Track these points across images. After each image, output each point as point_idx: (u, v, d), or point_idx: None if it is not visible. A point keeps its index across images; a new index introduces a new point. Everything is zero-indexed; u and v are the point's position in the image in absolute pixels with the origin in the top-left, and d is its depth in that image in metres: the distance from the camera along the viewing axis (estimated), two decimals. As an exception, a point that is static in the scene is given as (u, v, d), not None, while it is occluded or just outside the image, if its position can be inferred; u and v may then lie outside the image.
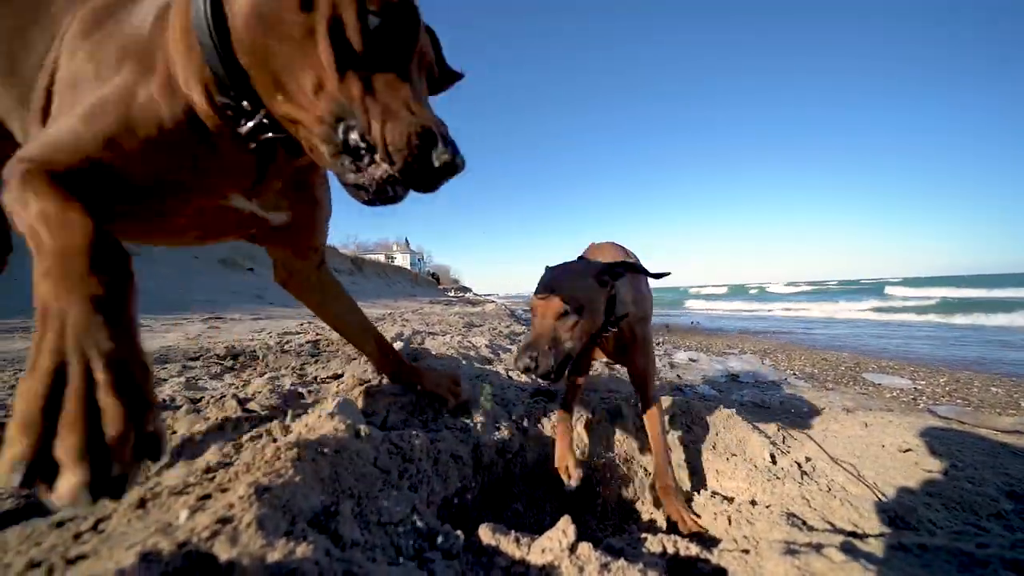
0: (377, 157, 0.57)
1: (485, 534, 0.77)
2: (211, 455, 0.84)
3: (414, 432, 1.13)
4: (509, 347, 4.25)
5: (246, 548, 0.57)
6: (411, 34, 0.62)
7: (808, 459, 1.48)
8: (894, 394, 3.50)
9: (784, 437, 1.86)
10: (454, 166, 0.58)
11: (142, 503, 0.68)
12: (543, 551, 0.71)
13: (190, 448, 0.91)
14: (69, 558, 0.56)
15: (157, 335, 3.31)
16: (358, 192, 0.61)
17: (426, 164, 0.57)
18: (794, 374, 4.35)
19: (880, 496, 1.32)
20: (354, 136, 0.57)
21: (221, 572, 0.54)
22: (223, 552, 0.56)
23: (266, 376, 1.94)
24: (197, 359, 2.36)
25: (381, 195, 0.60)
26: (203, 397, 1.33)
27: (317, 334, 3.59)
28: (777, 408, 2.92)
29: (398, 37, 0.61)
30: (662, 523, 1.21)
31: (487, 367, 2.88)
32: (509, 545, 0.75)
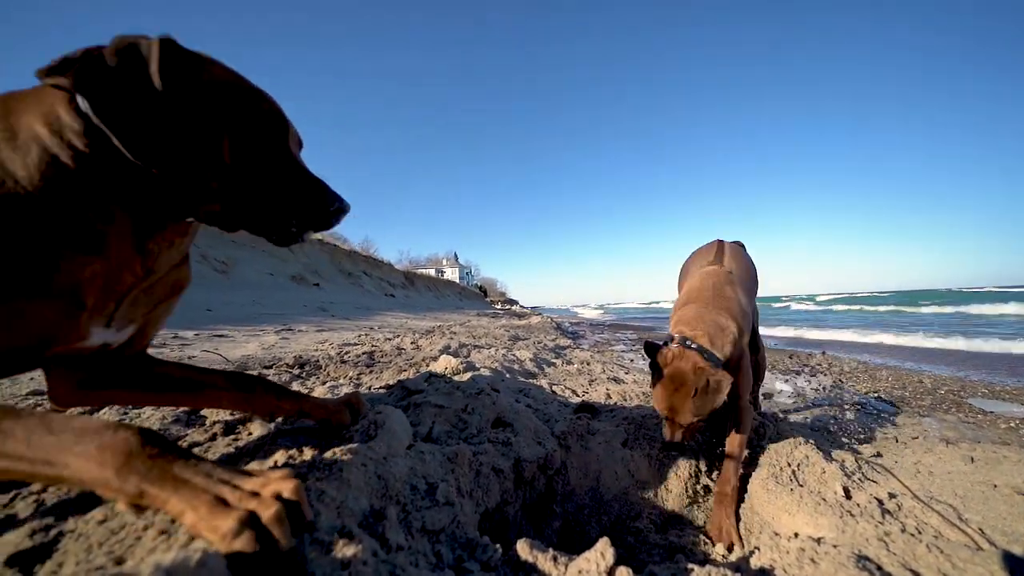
0: (282, 219, 0.80)
1: (523, 550, 0.78)
2: (279, 455, 0.94)
3: (457, 444, 1.18)
4: (554, 361, 4.21)
5: (307, 541, 0.64)
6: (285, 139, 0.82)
7: (892, 495, 1.31)
8: (1011, 424, 2.96)
9: (863, 468, 1.65)
10: (340, 211, 0.85)
11: (223, 495, 0.77)
12: (579, 572, 0.70)
13: (262, 449, 1.03)
14: (168, 534, 0.66)
15: (239, 345, 3.72)
16: (268, 235, 0.82)
17: (327, 216, 0.83)
18: (878, 396, 3.85)
19: (988, 545, 1.12)
20: (253, 208, 0.77)
21: (283, 559, 0.60)
22: (287, 544, 0.63)
23: (327, 384, 2.11)
24: (270, 367, 2.63)
25: (291, 239, 0.83)
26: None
27: (373, 346, 3.83)
28: (856, 434, 2.60)
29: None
30: (716, 556, 1.13)
31: (531, 381, 2.88)
32: (546, 563, 0.75)
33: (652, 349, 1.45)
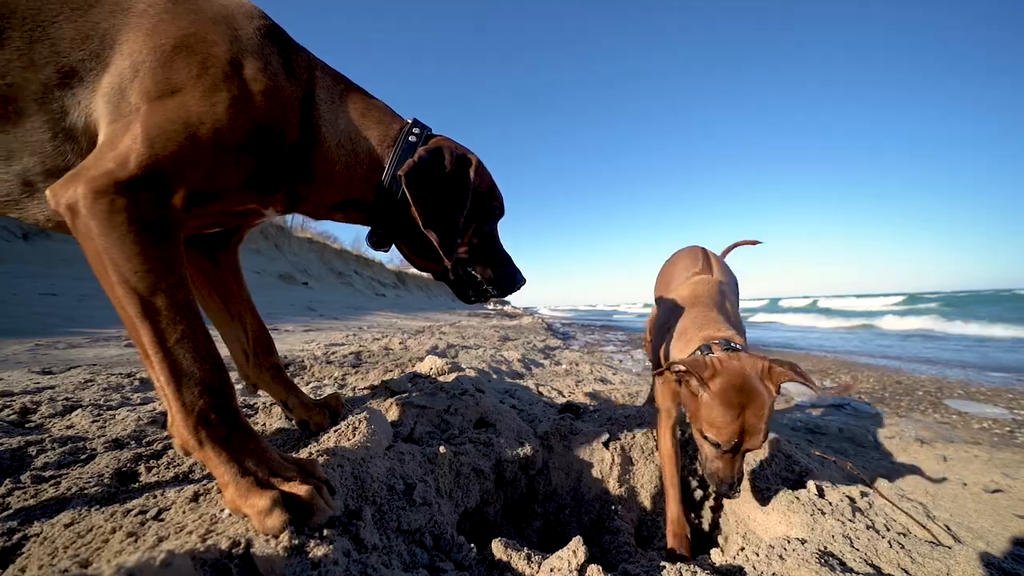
0: (484, 285, 1.12)
1: (497, 549, 0.79)
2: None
3: (438, 445, 1.18)
4: (542, 362, 4.23)
5: (279, 542, 0.64)
6: (501, 214, 1.12)
7: (864, 494, 1.34)
8: (984, 425, 3.06)
9: (838, 467, 1.69)
10: (522, 284, 1.17)
11: (195, 497, 0.77)
12: (552, 570, 0.71)
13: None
14: (135, 536, 0.65)
15: (222, 345, 3.66)
16: (465, 296, 1.14)
17: (511, 288, 1.15)
18: (859, 397, 3.94)
19: (951, 541, 1.16)
20: (470, 277, 1.11)
21: (254, 563, 0.60)
22: (258, 545, 0.63)
23: (311, 385, 2.10)
24: (254, 368, 2.59)
25: (482, 300, 1.15)
26: (255, 403, 1.46)
27: (360, 346, 3.80)
28: (834, 435, 2.66)
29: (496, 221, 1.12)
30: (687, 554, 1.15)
31: (518, 381, 2.89)
32: (520, 562, 0.76)
33: (696, 365, 1.07)
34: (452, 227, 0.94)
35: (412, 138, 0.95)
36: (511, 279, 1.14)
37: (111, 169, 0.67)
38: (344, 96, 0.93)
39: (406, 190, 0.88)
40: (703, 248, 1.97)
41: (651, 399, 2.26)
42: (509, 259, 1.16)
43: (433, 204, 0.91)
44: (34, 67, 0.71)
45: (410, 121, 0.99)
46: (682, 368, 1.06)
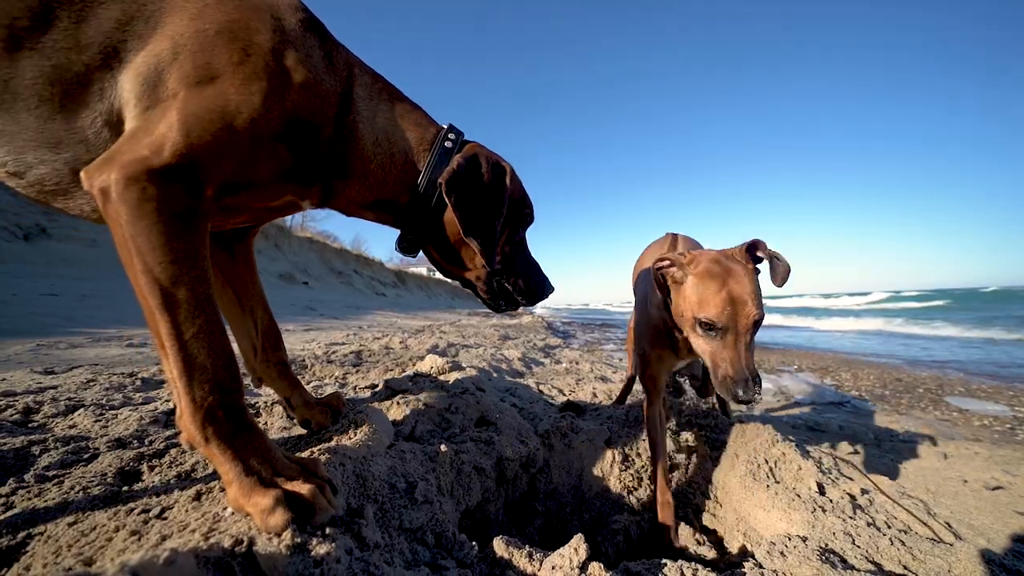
0: (515, 296, 1.11)
1: (499, 546, 0.79)
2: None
3: (439, 443, 1.18)
4: (543, 360, 4.23)
5: (282, 541, 0.64)
6: (530, 220, 1.12)
7: (864, 491, 1.35)
8: (984, 422, 3.06)
9: (839, 465, 1.69)
10: (550, 292, 1.16)
11: (198, 496, 0.77)
12: (553, 568, 0.71)
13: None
14: (139, 535, 0.65)
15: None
16: (496, 306, 1.12)
17: (541, 297, 1.14)
18: (859, 395, 3.94)
19: (952, 537, 1.17)
20: (502, 286, 1.10)
21: (257, 561, 0.61)
22: (261, 543, 0.63)
23: (312, 384, 2.10)
24: (255, 367, 2.59)
25: (511, 309, 1.15)
26: (256, 403, 1.47)
27: (361, 346, 3.81)
28: (835, 432, 2.66)
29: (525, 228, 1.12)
30: (690, 550, 1.16)
31: (518, 380, 2.90)
32: (521, 559, 0.76)
33: (676, 258, 1.11)
34: (492, 234, 0.95)
35: (448, 143, 0.95)
36: (540, 287, 1.13)
37: (145, 156, 0.66)
38: (381, 95, 0.92)
39: (446, 197, 0.88)
40: (674, 234, 1.89)
41: (622, 397, 2.19)
42: (537, 266, 1.15)
43: (473, 211, 0.92)
44: (79, 48, 0.69)
45: (446, 126, 0.99)
46: (665, 263, 1.14)
